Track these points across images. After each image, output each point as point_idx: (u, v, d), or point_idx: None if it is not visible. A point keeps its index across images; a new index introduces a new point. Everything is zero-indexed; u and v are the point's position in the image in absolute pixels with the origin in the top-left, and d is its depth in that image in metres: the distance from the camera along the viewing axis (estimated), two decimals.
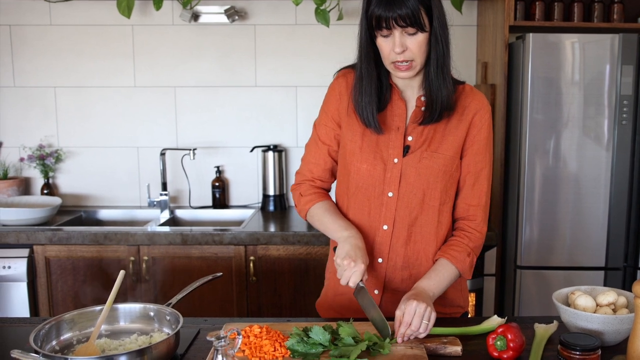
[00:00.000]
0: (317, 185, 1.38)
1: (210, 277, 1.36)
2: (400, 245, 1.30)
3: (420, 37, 1.18)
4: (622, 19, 2.33)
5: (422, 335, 1.13)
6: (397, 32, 1.16)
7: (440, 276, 1.25)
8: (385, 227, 1.29)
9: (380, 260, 1.31)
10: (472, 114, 1.28)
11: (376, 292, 1.33)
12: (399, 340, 1.13)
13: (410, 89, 1.29)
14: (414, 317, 1.11)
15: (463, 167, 1.30)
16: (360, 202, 1.31)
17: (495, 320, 1.23)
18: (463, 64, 2.65)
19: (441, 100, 1.23)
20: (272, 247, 2.23)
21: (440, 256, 1.28)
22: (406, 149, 1.27)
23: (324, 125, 1.36)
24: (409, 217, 1.28)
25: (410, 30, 1.16)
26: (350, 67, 1.34)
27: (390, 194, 1.27)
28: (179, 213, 2.68)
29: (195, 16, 2.62)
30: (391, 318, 1.18)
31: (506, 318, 1.25)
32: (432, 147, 1.26)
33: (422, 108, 1.27)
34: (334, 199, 1.40)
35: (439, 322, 1.27)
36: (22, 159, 2.70)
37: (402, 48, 1.17)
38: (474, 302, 2.31)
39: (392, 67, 1.22)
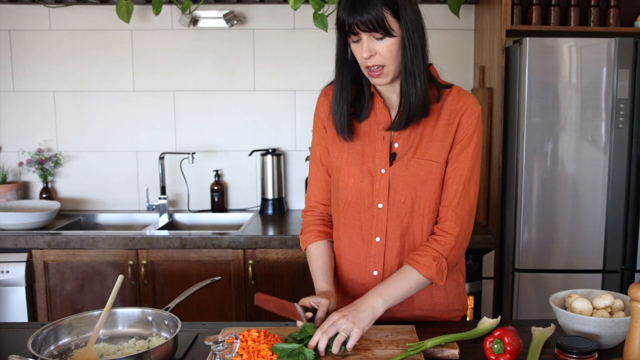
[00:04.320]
0: (318, 213, 1.39)
1: (208, 281, 1.36)
2: (394, 256, 1.29)
3: (390, 42, 1.16)
4: (618, 23, 2.34)
5: (335, 350, 1.08)
6: (364, 37, 1.16)
7: (398, 282, 1.20)
8: (377, 239, 1.28)
9: (375, 272, 1.30)
10: (460, 115, 1.25)
11: None
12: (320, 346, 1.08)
13: (394, 95, 1.28)
14: (329, 328, 1.08)
15: (446, 164, 1.26)
16: (351, 216, 1.30)
17: (487, 322, 1.23)
18: (460, 67, 2.66)
19: (409, 106, 1.20)
20: (270, 250, 2.23)
21: (405, 262, 1.24)
22: (393, 156, 1.26)
23: (318, 145, 1.37)
24: (400, 226, 1.27)
25: (377, 35, 1.15)
26: (332, 83, 1.35)
27: (380, 206, 1.27)
28: (178, 217, 2.68)
29: (194, 21, 2.63)
30: (384, 322, 1.18)
31: (499, 318, 1.25)
32: (418, 153, 1.25)
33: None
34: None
35: (436, 325, 1.28)
36: (21, 164, 2.70)
37: (370, 53, 1.16)
38: (472, 305, 2.32)
39: (366, 73, 1.21)
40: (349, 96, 1.26)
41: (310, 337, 1.10)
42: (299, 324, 1.15)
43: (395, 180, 1.25)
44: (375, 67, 1.18)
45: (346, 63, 1.25)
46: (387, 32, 1.14)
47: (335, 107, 1.27)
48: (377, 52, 1.16)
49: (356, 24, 1.13)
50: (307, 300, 1.18)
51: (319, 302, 1.16)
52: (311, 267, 1.33)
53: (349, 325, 1.09)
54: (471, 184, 1.26)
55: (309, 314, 1.15)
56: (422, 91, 1.20)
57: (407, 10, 1.15)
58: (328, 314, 1.16)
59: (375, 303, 1.15)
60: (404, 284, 1.20)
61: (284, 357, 1.06)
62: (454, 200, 1.24)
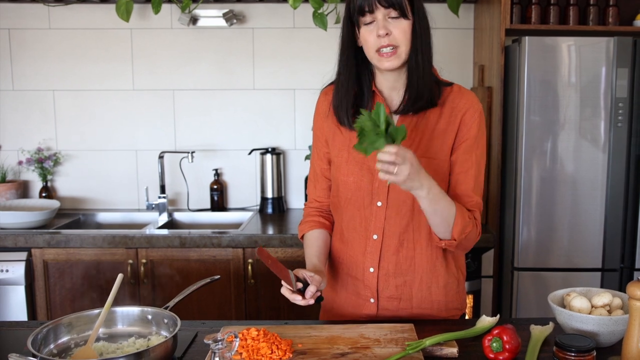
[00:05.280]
0: (315, 207, 1.42)
1: (208, 280, 1.36)
2: (391, 253, 1.29)
3: (404, 24, 1.19)
4: (617, 22, 2.35)
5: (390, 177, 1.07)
6: (380, 15, 1.18)
7: (446, 198, 1.17)
8: (375, 236, 1.29)
9: (371, 269, 1.31)
10: (462, 113, 1.26)
11: (372, 300, 1.33)
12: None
13: (396, 93, 1.29)
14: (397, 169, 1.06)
15: (452, 165, 1.28)
16: (351, 213, 1.31)
17: (486, 320, 1.24)
18: (460, 66, 2.66)
19: (422, 90, 1.22)
20: (270, 249, 2.23)
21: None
22: None
23: (315, 146, 1.39)
24: (399, 224, 1.27)
25: (393, 12, 1.17)
26: (333, 83, 1.35)
27: (379, 204, 1.27)
28: (178, 216, 2.68)
29: (194, 20, 2.63)
30: (384, 320, 1.17)
31: (498, 316, 1.25)
32: (420, 151, 1.25)
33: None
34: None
35: (435, 324, 1.28)
36: (20, 162, 2.70)
37: (386, 30, 1.18)
38: (472, 303, 2.32)
39: (376, 57, 1.21)
40: (353, 88, 1.27)
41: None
42: (284, 291, 1.16)
43: None
44: (389, 49, 1.19)
45: (353, 52, 1.25)
46: (403, 12, 1.18)
47: (343, 92, 1.26)
48: (392, 33, 1.18)
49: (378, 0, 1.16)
50: (302, 273, 1.20)
51: (313, 277, 1.18)
52: (306, 252, 1.35)
53: (405, 178, 1.07)
54: (480, 181, 1.29)
55: (300, 284, 1.17)
56: (429, 75, 1.23)
57: (420, 4, 1.21)
58: (318, 291, 1.18)
59: (428, 186, 1.12)
60: (448, 202, 1.18)
61: (365, 131, 1.04)
62: (472, 200, 1.26)
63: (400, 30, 1.18)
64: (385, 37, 1.18)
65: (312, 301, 1.16)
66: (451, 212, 1.19)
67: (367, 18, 1.19)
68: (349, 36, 1.24)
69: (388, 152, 1.05)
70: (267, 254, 1.12)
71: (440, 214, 1.18)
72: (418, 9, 1.20)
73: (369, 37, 1.20)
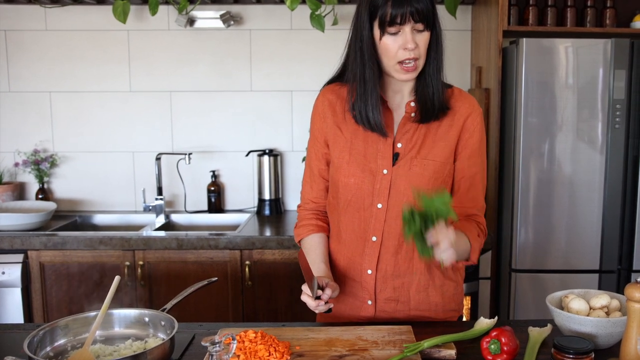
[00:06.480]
0: (310, 209, 1.41)
1: (205, 282, 1.36)
2: (390, 255, 1.29)
3: (426, 36, 1.19)
4: (615, 24, 2.35)
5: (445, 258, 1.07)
6: (407, 28, 1.17)
7: (459, 232, 1.18)
8: (374, 238, 1.29)
9: (369, 271, 1.31)
10: (464, 118, 1.27)
11: (369, 302, 1.32)
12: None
13: (399, 96, 1.29)
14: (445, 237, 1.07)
15: (457, 171, 1.29)
16: (350, 215, 1.31)
17: (484, 322, 1.23)
18: (457, 68, 2.67)
19: (437, 99, 1.24)
20: (267, 251, 2.23)
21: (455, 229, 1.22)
22: (395, 156, 1.26)
23: (312, 146, 1.38)
24: (399, 226, 1.26)
25: (420, 26, 1.17)
26: (331, 82, 1.34)
27: (379, 206, 1.27)
28: (175, 218, 2.68)
29: (191, 21, 2.63)
30: (381, 322, 1.17)
31: (496, 318, 1.25)
32: (422, 153, 1.25)
33: (412, 114, 1.27)
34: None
35: (433, 326, 1.28)
36: (16, 164, 2.69)
37: (415, 44, 1.17)
38: (469, 305, 2.32)
39: (397, 68, 1.20)
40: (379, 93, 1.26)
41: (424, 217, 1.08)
42: (305, 298, 1.20)
43: (397, 180, 1.26)
44: (412, 62, 1.19)
45: (376, 56, 1.22)
46: (429, 25, 1.18)
47: (374, 100, 1.23)
48: (417, 45, 1.18)
49: (411, 13, 1.15)
50: (323, 280, 1.23)
51: (329, 284, 1.21)
52: (309, 257, 1.34)
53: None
54: (484, 184, 1.32)
55: (319, 292, 1.20)
56: (443, 87, 1.25)
57: (436, 8, 1.21)
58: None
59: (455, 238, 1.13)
60: (463, 237, 1.21)
61: (413, 221, 1.07)
62: (479, 203, 1.29)
63: (423, 42, 1.19)
64: (414, 50, 1.18)
65: (322, 303, 1.18)
66: (467, 244, 1.22)
67: (394, 29, 1.17)
68: (370, 40, 1.21)
69: (447, 238, 1.06)
70: (303, 257, 1.20)
71: (462, 253, 1.21)
72: (438, 19, 1.21)
73: (392, 47, 1.18)
